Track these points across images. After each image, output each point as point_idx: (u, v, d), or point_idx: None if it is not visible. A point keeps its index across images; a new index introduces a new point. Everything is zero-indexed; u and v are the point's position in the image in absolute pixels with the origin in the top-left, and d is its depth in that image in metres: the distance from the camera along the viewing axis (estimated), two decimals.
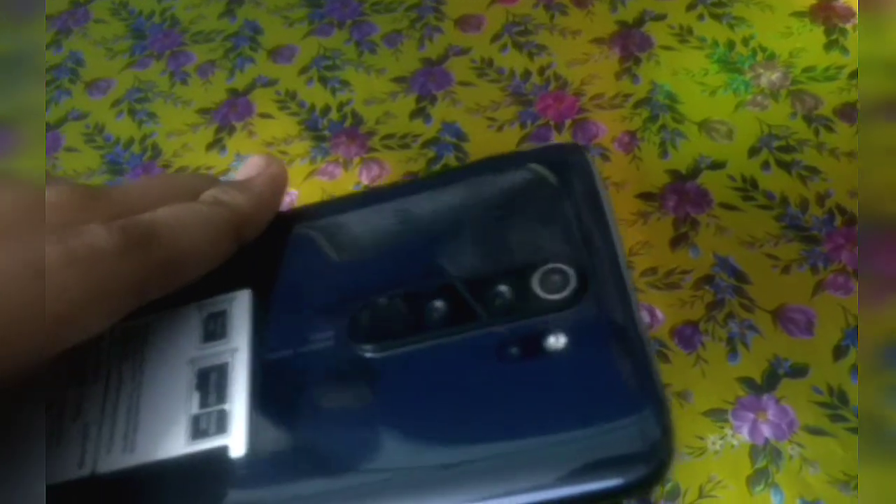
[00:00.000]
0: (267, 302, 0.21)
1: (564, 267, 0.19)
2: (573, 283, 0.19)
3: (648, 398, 0.17)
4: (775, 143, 0.49)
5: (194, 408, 0.19)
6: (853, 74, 0.51)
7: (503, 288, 0.19)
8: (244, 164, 0.22)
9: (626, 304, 0.18)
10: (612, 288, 0.19)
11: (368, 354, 0.19)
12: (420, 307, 0.19)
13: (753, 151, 0.49)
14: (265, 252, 0.21)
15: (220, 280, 0.20)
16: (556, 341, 0.18)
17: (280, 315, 0.20)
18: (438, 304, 0.19)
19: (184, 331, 0.20)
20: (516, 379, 0.18)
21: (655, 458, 0.17)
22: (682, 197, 0.47)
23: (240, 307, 0.21)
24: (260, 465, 0.18)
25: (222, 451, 0.18)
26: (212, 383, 0.20)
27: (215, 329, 0.20)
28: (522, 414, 0.18)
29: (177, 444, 0.19)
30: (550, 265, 0.19)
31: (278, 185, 0.21)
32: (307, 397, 0.19)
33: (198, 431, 0.19)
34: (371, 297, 0.20)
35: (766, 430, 0.40)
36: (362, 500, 0.18)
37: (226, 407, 0.19)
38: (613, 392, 0.17)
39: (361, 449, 0.18)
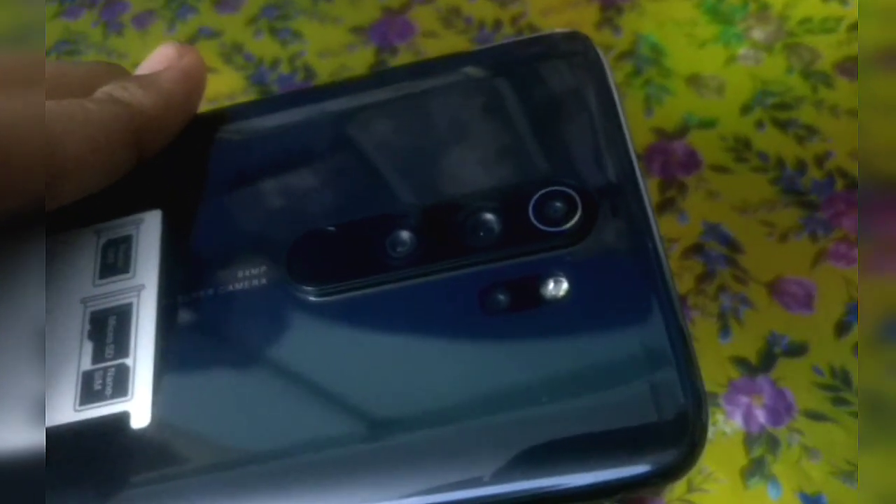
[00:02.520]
0: (182, 227, 0.16)
1: (568, 190, 0.15)
2: (579, 212, 0.15)
3: (675, 360, 0.13)
4: (770, 101, 0.44)
5: (86, 362, 0.15)
6: (853, 27, 0.47)
7: (489, 216, 0.15)
8: (150, 55, 0.18)
9: (646, 240, 0.14)
10: (630, 218, 0.15)
11: (312, 298, 0.15)
12: (379, 239, 0.15)
13: (746, 109, 0.44)
14: (180, 165, 0.17)
15: (124, 199, 0.16)
16: (557, 287, 0.14)
17: (198, 244, 0.16)
18: (403, 235, 0.15)
19: (75, 262, 0.16)
20: (504, 335, 0.14)
21: (686, 438, 0.12)
22: (669, 158, 0.43)
23: (148, 233, 0.16)
24: (169, 439, 0.14)
25: (121, 420, 0.14)
26: (109, 331, 0.15)
27: (116, 260, 0.16)
28: (510, 380, 0.14)
29: (62, 409, 0.15)
30: (551, 188, 0.15)
31: (193, 80, 0.17)
32: (231, 352, 0.15)
33: (90, 393, 0.15)
34: (315, 224, 0.16)
35: (761, 416, 0.36)
36: (307, 485, 0.13)
37: (127, 362, 0.15)
38: (629, 353, 0.13)
39: (302, 420, 0.14)
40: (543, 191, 0.15)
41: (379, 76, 0.19)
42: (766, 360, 0.38)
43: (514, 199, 0.15)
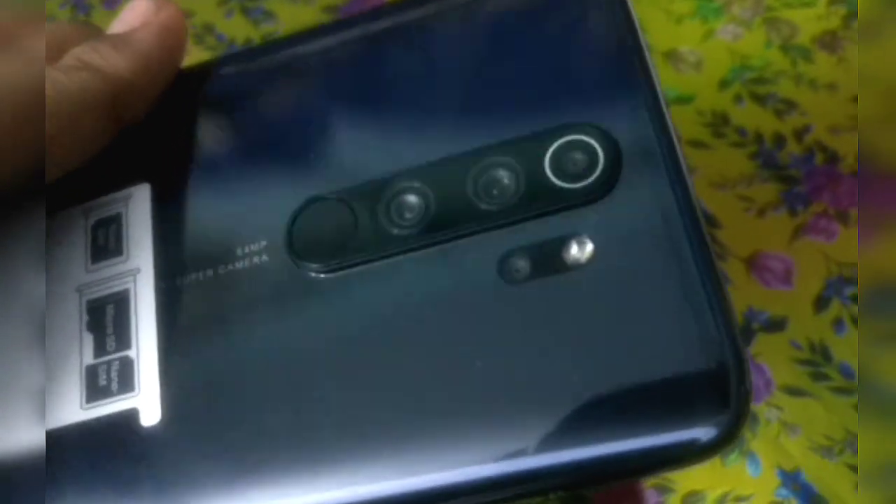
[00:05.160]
0: (172, 201, 0.15)
1: (589, 140, 0.14)
2: (602, 165, 0.13)
3: (713, 326, 0.12)
4: (748, 75, 0.44)
5: (88, 356, 0.14)
6: (832, 0, 0.46)
7: (502, 173, 0.14)
8: (123, 10, 0.17)
9: (678, 194, 0.13)
10: (659, 171, 0.13)
11: (315, 274, 0.14)
12: (385, 206, 0.14)
13: (724, 84, 0.44)
14: (164, 130, 0.16)
15: (108, 173, 0.15)
16: (580, 250, 0.13)
17: (191, 220, 0.15)
18: (410, 199, 0.14)
19: (65, 246, 0.15)
20: (524, 305, 0.13)
21: (728, 410, 0.12)
22: None
23: (137, 210, 0.15)
24: (181, 436, 0.13)
25: (130, 418, 0.13)
26: (108, 321, 0.14)
27: (107, 242, 0.15)
28: (533, 353, 0.13)
29: (69, 407, 0.14)
30: (569, 137, 0.14)
31: (173, 36, 0.16)
32: (237, 337, 0.14)
33: (95, 389, 0.14)
34: (315, 193, 0.15)
35: None
36: (325, 475, 0.13)
37: (130, 354, 0.14)
38: (662, 319, 0.12)
39: (318, 405, 0.13)
40: (561, 141, 0.14)
41: (378, 14, 0.17)
42: (744, 336, 0.37)
43: (528, 152, 0.14)
